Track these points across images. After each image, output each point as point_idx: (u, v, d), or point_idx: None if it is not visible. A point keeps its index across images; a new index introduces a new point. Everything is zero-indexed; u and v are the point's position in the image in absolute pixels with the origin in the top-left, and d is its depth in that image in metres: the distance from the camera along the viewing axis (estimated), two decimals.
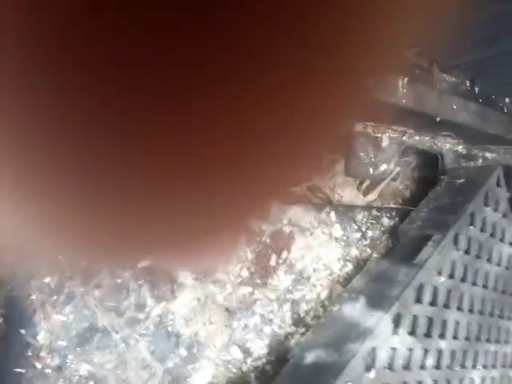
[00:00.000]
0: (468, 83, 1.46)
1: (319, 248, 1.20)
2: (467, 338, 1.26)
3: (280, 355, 1.07)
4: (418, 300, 1.08)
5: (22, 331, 0.78)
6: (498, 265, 1.39)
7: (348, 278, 1.22)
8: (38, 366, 0.79)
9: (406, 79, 1.19)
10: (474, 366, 1.30)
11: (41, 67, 0.12)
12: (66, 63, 0.12)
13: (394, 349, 1.01)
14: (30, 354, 0.78)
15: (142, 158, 0.15)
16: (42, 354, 0.80)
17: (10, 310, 0.77)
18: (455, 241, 1.20)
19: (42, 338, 0.80)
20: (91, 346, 0.84)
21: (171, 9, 0.12)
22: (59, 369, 0.81)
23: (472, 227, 1.26)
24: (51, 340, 0.81)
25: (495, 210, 1.37)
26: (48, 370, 0.80)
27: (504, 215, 1.41)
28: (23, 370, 0.78)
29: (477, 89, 1.48)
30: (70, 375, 0.82)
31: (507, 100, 1.57)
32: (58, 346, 0.81)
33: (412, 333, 1.06)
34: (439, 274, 1.14)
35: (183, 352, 0.94)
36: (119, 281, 0.83)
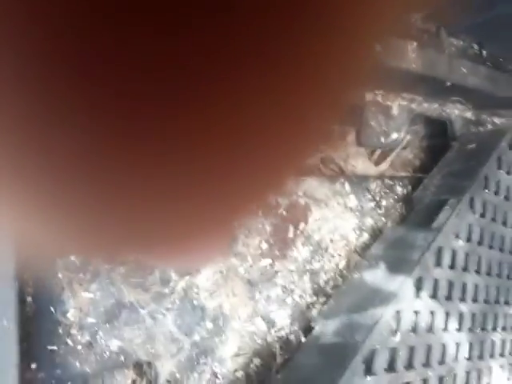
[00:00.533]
0: (476, 47, 1.44)
1: (335, 219, 1.20)
2: (486, 301, 1.27)
3: (303, 325, 1.08)
4: (438, 263, 1.09)
5: (52, 309, 0.79)
6: None
7: (365, 247, 1.22)
8: (70, 342, 0.80)
9: (415, 44, 1.17)
10: (494, 329, 1.30)
11: (38, 65, 0.12)
12: (59, 62, 0.12)
13: (417, 312, 1.02)
14: (60, 331, 0.79)
15: (136, 154, 0.15)
16: (73, 331, 0.81)
17: (38, 289, 0.78)
18: (471, 204, 1.20)
19: (71, 315, 0.80)
20: (119, 322, 0.85)
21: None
22: (90, 345, 0.82)
23: (486, 190, 1.26)
24: (80, 317, 0.81)
25: (508, 173, 1.36)
26: (79, 347, 0.81)
27: None
28: (55, 347, 0.79)
29: (485, 52, 1.47)
30: (101, 351, 0.83)
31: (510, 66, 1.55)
32: (88, 323, 0.82)
33: (434, 296, 1.07)
34: (457, 237, 1.14)
35: (209, 325, 0.95)
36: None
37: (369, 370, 0.91)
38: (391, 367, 0.96)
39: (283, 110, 0.16)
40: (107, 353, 0.84)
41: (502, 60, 1.55)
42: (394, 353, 0.97)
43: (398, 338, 0.97)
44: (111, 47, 0.12)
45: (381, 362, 0.93)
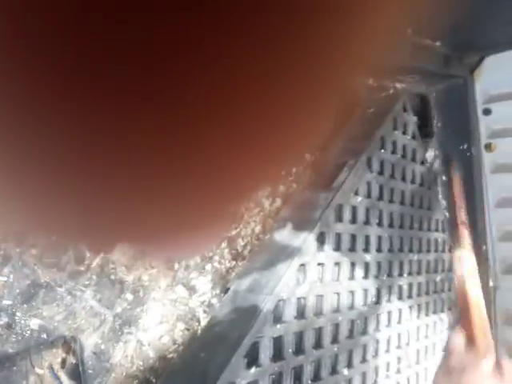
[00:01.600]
0: None
1: None
2: (390, 250, 1.41)
3: (223, 288, 1.17)
4: (339, 219, 1.20)
5: None
6: (413, 182, 1.54)
7: (278, 212, 1.32)
8: None
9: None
10: (400, 274, 1.45)
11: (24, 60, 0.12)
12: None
13: (321, 264, 1.13)
14: None
15: (130, 145, 0.15)
16: None
17: None
18: (368, 164, 1.32)
19: None
20: (37, 302, 0.89)
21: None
22: (9, 326, 0.86)
23: (383, 150, 1.39)
24: None
25: (404, 133, 1.50)
26: None
27: (413, 137, 1.55)
28: None
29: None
30: (22, 330, 0.87)
31: (409, 31, 1.69)
32: (4, 306, 0.85)
33: (337, 248, 1.18)
34: (356, 194, 1.26)
35: (129, 296, 1.01)
36: (54, 238, 0.87)
37: (278, 319, 1.01)
38: (301, 315, 1.07)
39: (278, 102, 0.16)
40: (28, 332, 0.88)
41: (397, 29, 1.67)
42: (302, 302, 1.07)
43: (305, 288, 1.08)
44: (103, 42, 0.12)
45: (290, 310, 1.03)
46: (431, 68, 1.85)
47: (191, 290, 1.13)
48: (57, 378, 0.97)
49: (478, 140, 1.83)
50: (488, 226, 1.78)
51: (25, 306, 0.88)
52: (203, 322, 1.12)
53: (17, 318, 0.87)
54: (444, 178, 1.79)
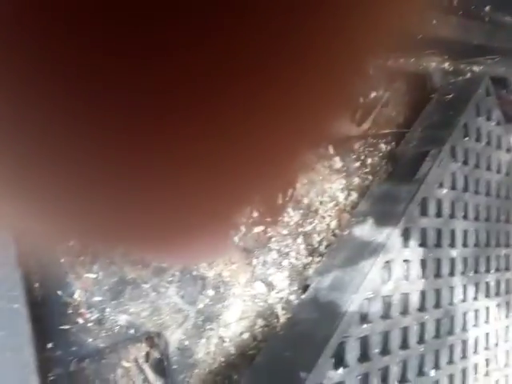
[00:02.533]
0: None
1: (322, 181, 1.24)
2: (477, 245, 1.32)
3: (301, 284, 1.14)
4: (424, 213, 1.13)
5: (59, 292, 0.84)
6: (498, 172, 1.43)
7: (354, 206, 1.27)
8: (80, 321, 0.86)
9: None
10: (487, 271, 1.36)
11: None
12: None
13: (407, 261, 1.07)
14: (70, 311, 0.85)
15: (137, 148, 0.15)
16: (82, 310, 0.86)
17: (43, 274, 0.83)
18: (452, 153, 1.24)
19: (78, 295, 0.86)
20: (125, 298, 0.90)
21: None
22: (100, 321, 0.88)
23: (467, 138, 1.30)
24: (87, 297, 0.87)
25: (488, 119, 1.39)
26: (90, 324, 0.87)
27: (498, 123, 1.44)
28: (68, 327, 0.84)
29: (455, 1, 1.48)
30: (111, 326, 0.89)
31: (487, 8, 1.57)
32: (95, 302, 0.87)
33: (422, 244, 1.12)
34: (441, 186, 1.18)
35: (211, 292, 1.01)
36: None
37: (364, 318, 0.96)
38: (386, 314, 1.02)
39: (283, 104, 0.16)
40: (117, 327, 0.90)
41: (474, 7, 1.56)
42: (387, 300, 1.02)
43: (390, 286, 1.02)
44: (110, 41, 0.12)
45: (376, 309, 0.99)
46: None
47: (269, 286, 1.11)
48: (142, 371, 0.99)
49: None
50: None
51: (113, 302, 0.89)
52: (282, 319, 1.10)
53: (106, 313, 0.88)
54: None
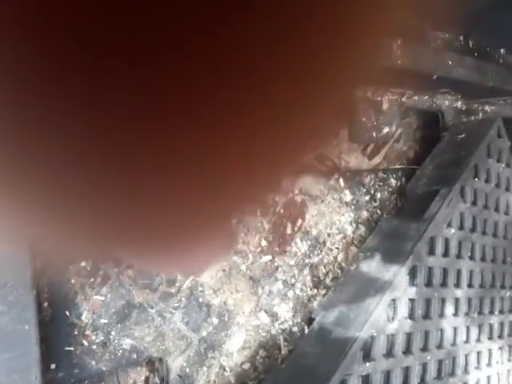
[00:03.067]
0: (462, 38, 1.48)
1: (331, 213, 1.25)
2: (482, 286, 1.31)
3: (305, 317, 1.14)
4: (431, 252, 1.13)
5: (67, 313, 0.84)
6: (506, 213, 1.43)
7: (362, 240, 1.27)
8: (85, 343, 0.86)
9: (400, 40, 1.21)
10: (491, 312, 1.35)
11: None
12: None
13: (412, 300, 1.07)
14: (76, 332, 0.85)
15: (137, 157, 0.15)
16: (87, 332, 0.86)
17: (53, 294, 0.83)
18: (462, 193, 1.24)
19: (85, 317, 0.86)
20: (130, 322, 0.91)
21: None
22: (104, 344, 0.88)
23: (477, 179, 1.31)
24: (94, 319, 0.87)
25: (498, 160, 1.40)
26: (94, 347, 0.87)
27: (507, 165, 1.45)
28: (72, 348, 0.84)
29: (471, 43, 1.51)
30: (115, 349, 0.89)
31: (502, 51, 1.59)
32: (101, 324, 0.88)
33: (428, 284, 1.12)
34: (449, 226, 1.19)
35: (215, 320, 1.01)
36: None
37: (367, 356, 0.96)
38: (389, 353, 1.01)
39: (279, 109, 0.16)
40: (120, 351, 0.90)
41: (489, 49, 1.58)
42: (391, 339, 1.02)
43: (395, 325, 1.02)
44: (117, 44, 0.12)
45: (379, 348, 0.98)
46: None
47: (273, 316, 1.11)
48: None
49: None
50: None
51: (119, 325, 0.89)
52: (284, 351, 1.10)
53: (111, 336, 0.89)
54: None
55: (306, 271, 1.18)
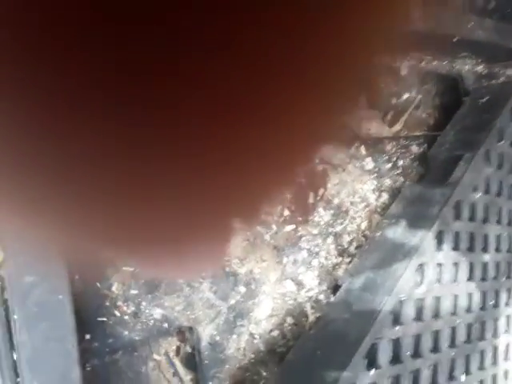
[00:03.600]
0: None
1: (353, 182, 1.24)
2: (510, 251, 1.29)
3: (331, 284, 1.14)
4: (457, 217, 1.12)
5: (98, 284, 0.86)
6: None
7: (385, 208, 1.26)
8: (117, 313, 0.87)
9: (419, 2, 1.18)
10: None
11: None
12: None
13: (440, 264, 1.06)
14: (108, 304, 0.86)
15: (136, 159, 0.15)
16: (119, 303, 0.88)
17: (83, 267, 0.85)
18: (487, 157, 1.22)
19: (115, 288, 0.87)
20: (160, 292, 0.92)
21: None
22: (136, 314, 0.89)
23: (502, 142, 1.28)
24: (124, 290, 0.88)
25: None
26: (126, 317, 0.88)
27: None
28: (105, 319, 0.86)
29: (492, 4, 1.46)
30: (146, 319, 0.90)
31: None
32: (132, 295, 0.89)
33: (455, 248, 1.11)
34: (475, 190, 1.17)
35: (242, 289, 1.01)
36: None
37: (397, 320, 0.96)
38: (418, 317, 1.01)
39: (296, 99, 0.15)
40: (152, 321, 0.91)
41: (510, 11, 1.53)
42: (420, 303, 1.01)
43: (423, 289, 1.02)
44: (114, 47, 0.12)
45: (408, 312, 0.98)
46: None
47: (299, 284, 1.11)
48: (172, 364, 1.00)
49: None
50: None
51: (149, 296, 0.91)
52: (311, 318, 1.10)
53: (142, 307, 0.90)
54: None
55: (330, 240, 1.17)
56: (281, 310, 1.07)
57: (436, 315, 1.04)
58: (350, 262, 1.17)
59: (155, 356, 0.96)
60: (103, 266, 0.87)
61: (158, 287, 0.92)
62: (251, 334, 1.03)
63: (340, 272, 1.16)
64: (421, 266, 1.02)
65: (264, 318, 1.05)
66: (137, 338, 0.90)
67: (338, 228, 1.20)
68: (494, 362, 1.18)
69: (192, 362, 0.99)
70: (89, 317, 0.85)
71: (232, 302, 1.00)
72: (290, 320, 1.08)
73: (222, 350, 0.99)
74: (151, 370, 0.96)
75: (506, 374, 1.21)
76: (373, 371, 0.88)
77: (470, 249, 1.14)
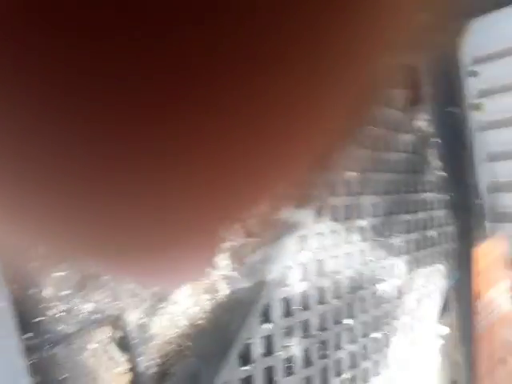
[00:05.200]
0: None
1: None
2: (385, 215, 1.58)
3: (240, 262, 1.37)
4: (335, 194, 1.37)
5: (34, 290, 1.03)
6: (402, 151, 1.69)
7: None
8: (53, 312, 1.05)
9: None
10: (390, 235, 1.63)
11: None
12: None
13: (320, 233, 1.32)
14: (43, 305, 1.04)
15: (126, 160, 0.14)
16: (53, 303, 1.05)
17: (19, 276, 1.01)
18: (359, 140, 1.48)
19: (49, 291, 1.05)
20: (89, 289, 1.10)
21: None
22: (70, 311, 1.07)
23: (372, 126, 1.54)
24: (57, 291, 1.06)
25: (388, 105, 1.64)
26: (61, 314, 1.06)
27: (400, 108, 1.69)
28: (42, 318, 1.04)
29: None
30: (79, 313, 1.09)
31: None
32: (64, 295, 1.07)
33: (334, 219, 1.36)
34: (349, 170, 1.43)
35: None
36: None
37: (284, 283, 1.21)
38: (304, 277, 1.26)
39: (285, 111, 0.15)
40: (85, 314, 1.10)
41: None
42: (305, 267, 1.27)
43: (307, 255, 1.27)
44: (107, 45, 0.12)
45: (295, 275, 1.23)
46: (419, 38, 1.95)
47: (214, 266, 1.33)
48: (107, 350, 1.19)
49: (466, 101, 1.96)
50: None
51: (80, 293, 1.09)
52: (224, 292, 1.33)
53: (74, 303, 1.08)
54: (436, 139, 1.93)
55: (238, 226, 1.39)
56: (199, 289, 1.29)
57: (320, 274, 1.30)
58: (254, 241, 1.40)
59: (91, 345, 1.15)
60: (36, 273, 1.04)
61: (87, 285, 1.10)
62: (172, 313, 1.24)
63: (246, 250, 1.39)
64: (304, 237, 1.26)
65: (183, 298, 1.26)
66: (72, 331, 1.08)
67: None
68: (376, 306, 1.47)
69: (124, 344, 1.19)
70: (27, 318, 1.02)
71: (154, 289, 1.20)
72: (207, 297, 1.30)
73: (148, 330, 1.20)
74: (89, 358, 1.15)
75: (386, 314, 1.50)
76: (266, 325, 1.13)
77: (347, 217, 1.41)
